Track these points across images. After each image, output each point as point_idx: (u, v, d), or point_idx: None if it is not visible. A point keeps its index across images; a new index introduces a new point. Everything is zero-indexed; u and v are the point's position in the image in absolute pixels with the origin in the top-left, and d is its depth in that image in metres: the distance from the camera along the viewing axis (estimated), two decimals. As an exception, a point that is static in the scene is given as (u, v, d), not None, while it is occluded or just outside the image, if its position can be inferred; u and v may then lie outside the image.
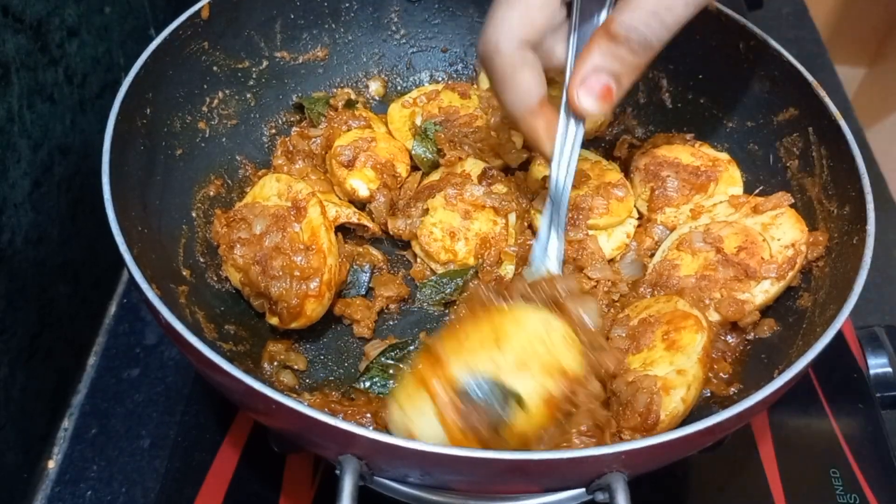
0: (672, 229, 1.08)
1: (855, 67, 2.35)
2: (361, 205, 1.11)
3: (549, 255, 0.93)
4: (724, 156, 1.15)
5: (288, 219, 0.96)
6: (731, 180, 1.12)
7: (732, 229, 0.99)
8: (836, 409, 1.09)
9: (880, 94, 2.28)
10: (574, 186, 1.05)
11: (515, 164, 1.13)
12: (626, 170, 1.16)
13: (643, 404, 0.84)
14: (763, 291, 0.96)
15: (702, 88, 1.19)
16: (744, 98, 1.14)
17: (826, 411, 1.09)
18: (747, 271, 0.95)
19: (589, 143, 1.21)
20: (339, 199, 1.11)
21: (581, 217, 1.05)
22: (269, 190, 1.02)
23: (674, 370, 0.87)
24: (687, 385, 0.85)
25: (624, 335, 0.95)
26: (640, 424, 0.85)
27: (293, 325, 0.95)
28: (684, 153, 1.13)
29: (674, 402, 0.85)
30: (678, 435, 0.69)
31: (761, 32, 1.09)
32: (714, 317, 0.94)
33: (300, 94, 1.23)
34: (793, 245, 0.97)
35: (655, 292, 0.99)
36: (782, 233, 0.99)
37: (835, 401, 1.10)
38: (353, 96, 1.24)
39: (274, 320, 0.96)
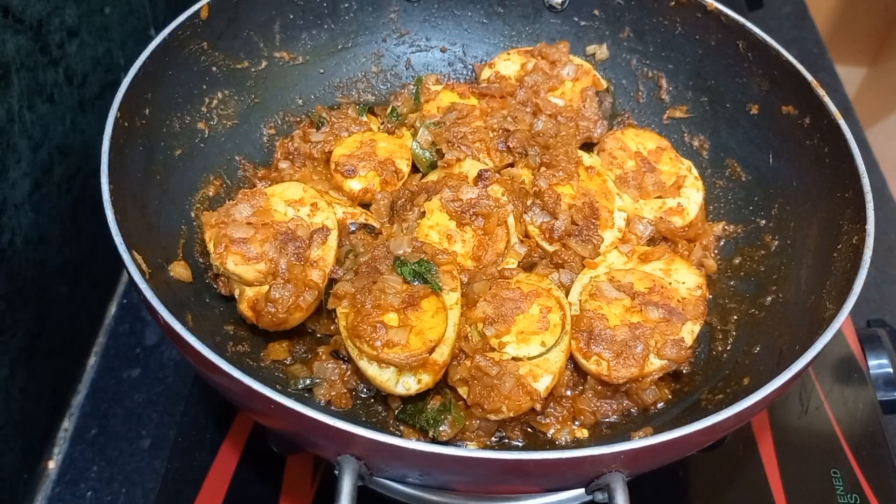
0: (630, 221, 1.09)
1: (855, 67, 2.35)
2: (364, 205, 1.10)
3: None
4: (688, 162, 1.16)
5: (307, 238, 0.97)
6: (695, 185, 1.14)
7: (636, 276, 0.98)
8: (836, 410, 1.09)
9: (880, 94, 2.28)
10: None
11: (499, 165, 1.13)
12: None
13: (509, 389, 0.87)
14: (689, 332, 0.94)
15: (702, 88, 1.19)
16: (744, 98, 1.14)
17: (826, 412, 1.09)
18: (671, 311, 0.94)
19: (587, 145, 1.21)
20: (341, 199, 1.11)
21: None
22: (291, 193, 1.02)
23: (543, 357, 0.90)
24: (553, 374, 0.89)
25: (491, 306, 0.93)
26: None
27: (269, 328, 0.95)
28: (650, 140, 1.16)
29: (539, 391, 0.88)
30: (678, 435, 0.69)
31: (761, 32, 1.09)
32: (656, 364, 0.92)
33: (300, 95, 1.23)
34: (699, 287, 0.98)
35: (591, 345, 0.93)
36: (683, 277, 1.00)
37: (835, 401, 1.10)
38: (353, 97, 1.24)
39: (248, 312, 0.95)
